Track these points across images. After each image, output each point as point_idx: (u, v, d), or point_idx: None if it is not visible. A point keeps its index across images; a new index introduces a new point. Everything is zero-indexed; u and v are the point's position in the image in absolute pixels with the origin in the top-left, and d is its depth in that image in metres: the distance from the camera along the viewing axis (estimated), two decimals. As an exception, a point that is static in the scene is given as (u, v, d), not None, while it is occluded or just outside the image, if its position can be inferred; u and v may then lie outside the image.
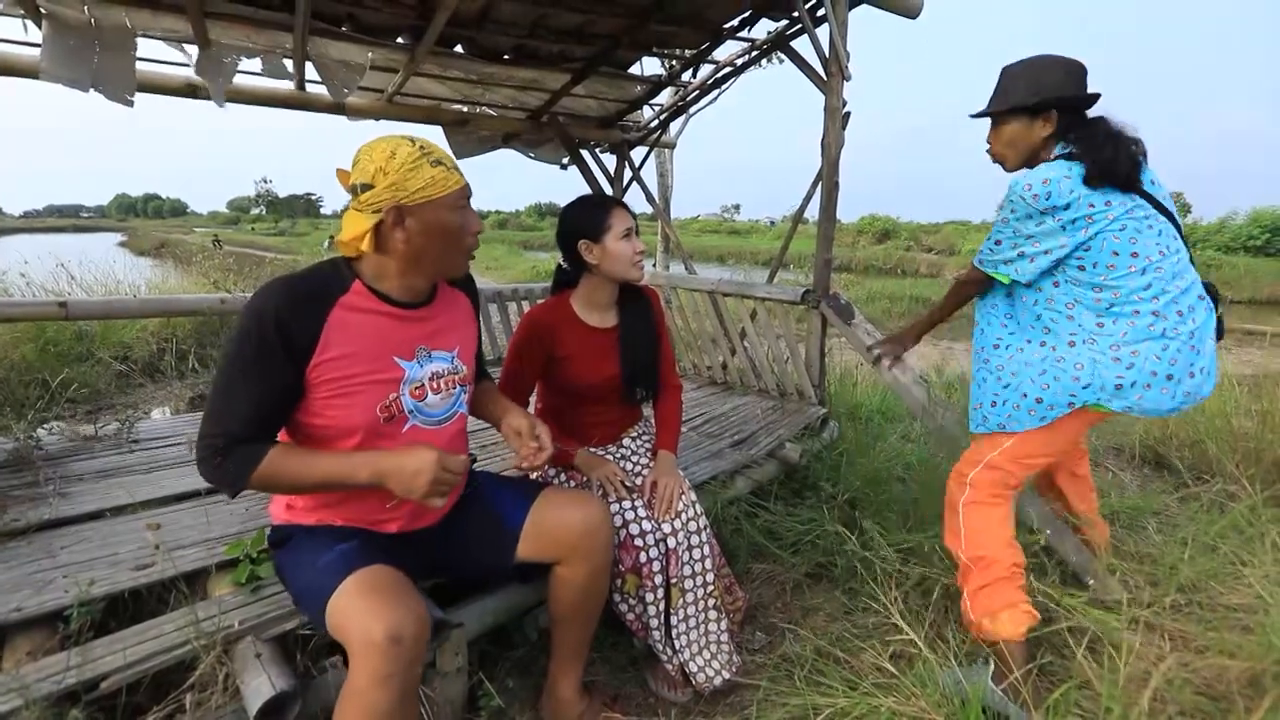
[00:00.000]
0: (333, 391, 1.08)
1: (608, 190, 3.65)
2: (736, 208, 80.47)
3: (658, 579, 1.52)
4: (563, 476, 1.70)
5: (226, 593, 1.38)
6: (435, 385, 1.21)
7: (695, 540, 1.56)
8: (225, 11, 2.01)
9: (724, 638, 1.63)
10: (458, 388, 1.26)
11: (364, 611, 0.99)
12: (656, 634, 1.55)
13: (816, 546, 2.13)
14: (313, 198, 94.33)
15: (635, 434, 1.79)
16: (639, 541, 1.50)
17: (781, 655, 1.78)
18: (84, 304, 2.26)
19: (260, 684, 1.14)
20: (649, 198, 3.71)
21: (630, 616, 1.58)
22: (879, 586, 1.85)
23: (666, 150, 3.83)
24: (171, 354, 3.51)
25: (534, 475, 1.74)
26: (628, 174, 3.64)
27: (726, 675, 1.59)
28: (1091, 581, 1.93)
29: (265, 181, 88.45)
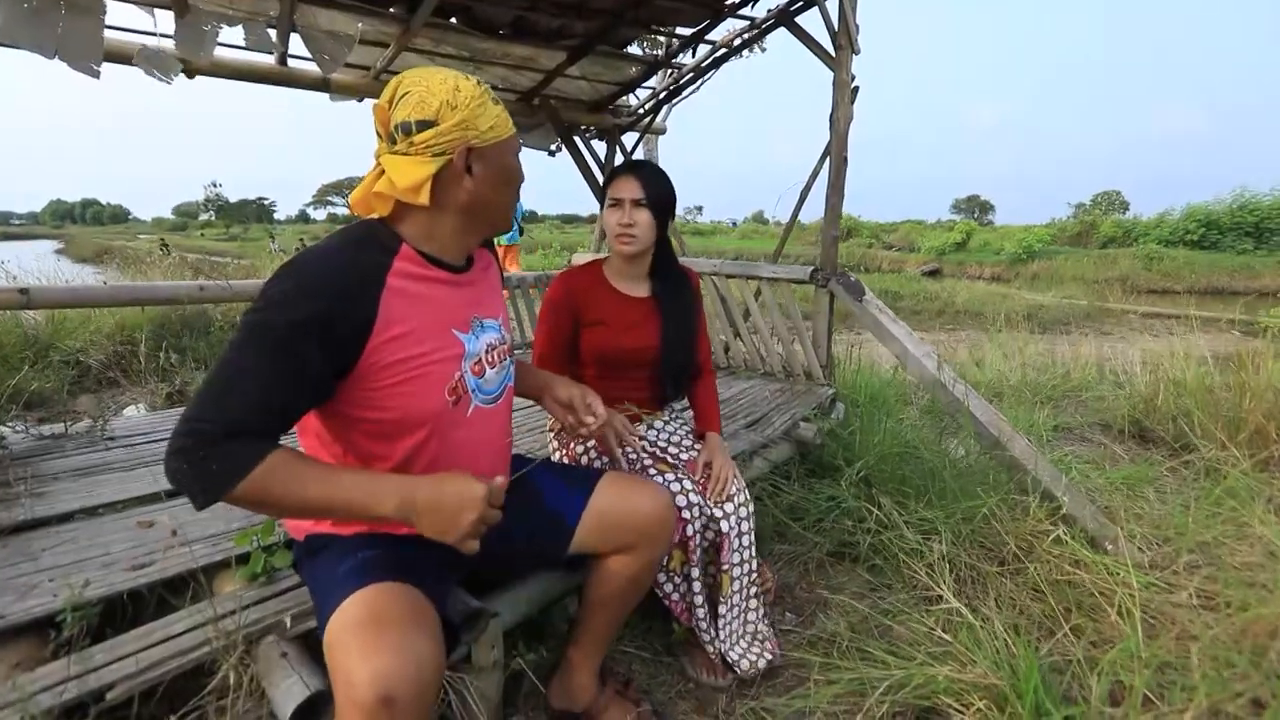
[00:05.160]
0: (400, 376, 0.93)
1: (599, 178, 3.57)
2: (699, 209, 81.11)
3: (696, 555, 1.46)
4: (592, 453, 1.62)
5: (239, 588, 1.25)
6: (490, 358, 1.08)
7: (745, 527, 1.51)
8: (207, -30, 1.87)
9: (763, 625, 1.59)
10: (507, 359, 1.14)
11: (355, 649, 0.79)
12: (701, 613, 1.49)
13: (838, 525, 2.11)
14: (265, 202, 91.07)
15: (667, 416, 1.72)
16: (685, 514, 1.44)
17: (816, 633, 1.74)
18: (48, 290, 2.08)
19: (291, 685, 1.03)
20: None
21: (675, 597, 1.51)
22: (912, 560, 1.84)
23: (655, 137, 3.77)
24: (136, 356, 3.29)
25: (563, 457, 1.66)
26: (619, 160, 3.57)
27: (769, 657, 1.54)
28: (1109, 546, 1.96)
29: (215, 186, 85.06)
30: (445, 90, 0.90)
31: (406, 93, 0.91)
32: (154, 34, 2.06)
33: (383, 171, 0.94)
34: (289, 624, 1.13)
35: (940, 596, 1.63)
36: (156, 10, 2.04)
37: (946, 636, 1.43)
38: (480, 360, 1.05)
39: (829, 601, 1.89)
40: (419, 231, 0.97)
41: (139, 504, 1.56)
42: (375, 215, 0.97)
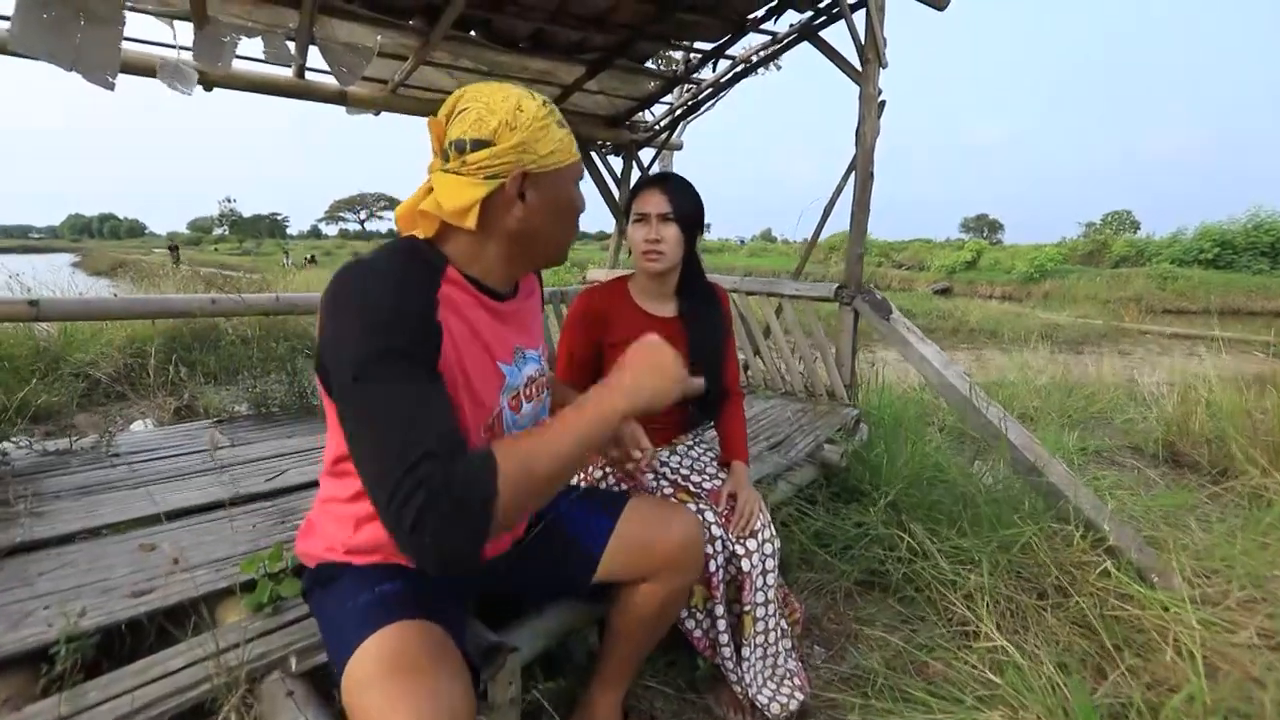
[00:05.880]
0: (452, 386, 0.84)
1: (616, 194, 3.54)
2: (708, 226, 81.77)
3: (720, 591, 1.38)
4: (610, 479, 1.54)
5: (243, 619, 1.18)
6: (529, 392, 0.99)
7: (769, 565, 1.41)
8: (228, -19, 1.86)
9: (792, 663, 1.49)
10: (545, 392, 1.06)
11: (384, 697, 0.74)
12: (726, 651, 1.40)
13: (867, 553, 2.01)
14: (278, 218, 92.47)
15: (690, 441, 1.64)
16: (708, 548, 1.36)
17: (849, 670, 1.65)
18: (57, 303, 2.03)
19: (297, 727, 0.95)
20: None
21: (698, 634, 1.42)
22: (947, 591, 1.74)
23: (671, 152, 3.74)
24: (147, 369, 3.25)
25: (582, 480, 1.58)
26: (635, 176, 3.54)
27: (800, 697, 1.45)
28: (1156, 578, 1.86)
29: (229, 201, 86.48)
30: (506, 109, 0.83)
31: (465, 108, 0.84)
32: (172, 45, 2.05)
33: (432, 189, 0.87)
34: (294, 663, 1.06)
35: (979, 631, 1.54)
36: (176, 22, 2.03)
37: (995, 678, 1.33)
38: (519, 394, 0.97)
39: (859, 634, 1.79)
40: (464, 253, 0.89)
41: (141, 525, 1.50)
42: (419, 234, 0.89)
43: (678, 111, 3.37)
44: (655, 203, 1.39)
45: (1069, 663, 1.55)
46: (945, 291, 19.85)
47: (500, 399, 0.93)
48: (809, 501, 2.21)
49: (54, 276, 6.17)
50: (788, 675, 1.47)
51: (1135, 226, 39.70)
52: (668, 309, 1.52)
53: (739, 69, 2.92)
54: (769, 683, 1.44)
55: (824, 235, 2.80)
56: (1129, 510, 2.41)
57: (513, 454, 0.74)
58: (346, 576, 0.95)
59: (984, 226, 57.62)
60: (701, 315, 1.52)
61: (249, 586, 1.23)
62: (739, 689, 1.42)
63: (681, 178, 1.49)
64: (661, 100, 3.31)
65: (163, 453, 1.93)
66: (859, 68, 2.25)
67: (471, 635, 1.13)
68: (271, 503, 1.67)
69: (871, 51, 2.16)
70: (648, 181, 1.45)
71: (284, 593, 1.22)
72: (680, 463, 1.56)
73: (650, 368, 0.85)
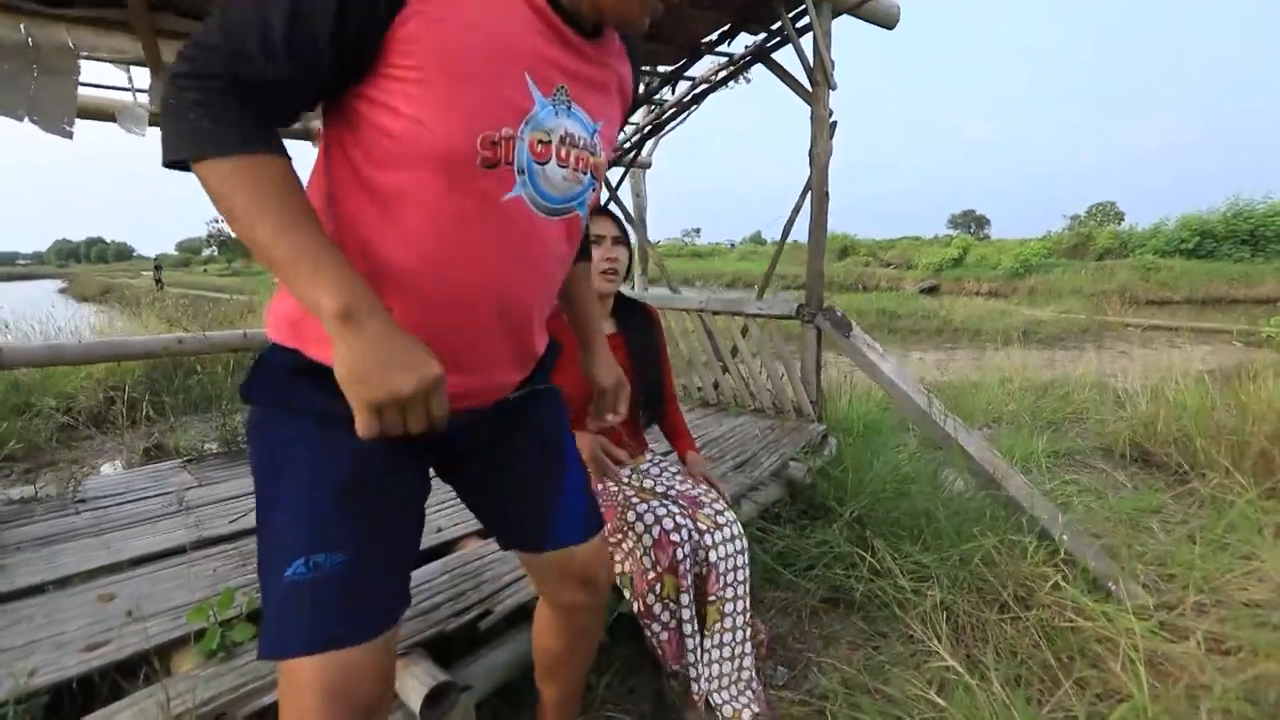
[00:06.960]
0: (428, 68, 0.64)
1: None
2: (697, 231, 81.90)
3: (687, 581, 1.41)
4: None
5: (193, 668, 1.20)
6: (563, 154, 0.77)
7: (740, 561, 1.47)
8: (181, 30, 1.88)
9: (753, 674, 1.52)
10: (588, 175, 0.82)
11: None
12: (690, 643, 1.42)
13: (831, 571, 2.04)
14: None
15: (649, 460, 1.71)
16: (674, 537, 1.40)
17: (809, 690, 1.67)
18: (20, 350, 2.04)
19: (242, 781, 0.97)
20: (627, 218, 3.65)
21: (673, 625, 1.42)
22: (902, 610, 1.77)
23: (641, 170, 3.78)
24: (123, 402, 3.25)
25: None
26: (604, 195, 3.58)
27: (756, 709, 1.47)
28: (1112, 586, 1.89)
29: (217, 222, 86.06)
30: None
31: None
32: (128, 89, 2.07)
33: None
34: (240, 715, 1.07)
35: (937, 649, 1.56)
36: (132, 66, 2.05)
37: (939, 700, 1.36)
38: (550, 143, 0.75)
39: (822, 654, 1.82)
40: None
41: (102, 574, 1.51)
42: None
43: (645, 130, 3.41)
44: (607, 227, 1.53)
45: (1025, 676, 1.58)
46: (932, 290, 19.98)
47: (519, 128, 0.71)
48: (774, 520, 2.23)
49: (31, 309, 6.16)
50: (748, 687, 1.50)
51: (1120, 218, 39.97)
52: (607, 327, 1.64)
53: (700, 89, 2.97)
54: (732, 685, 1.47)
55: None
56: (1094, 515, 2.44)
57: (256, 180, 0.61)
58: (287, 434, 0.77)
59: (971, 222, 57.99)
60: (638, 329, 1.67)
61: (203, 634, 1.25)
62: (697, 688, 1.43)
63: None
64: (628, 121, 3.36)
65: (129, 496, 1.94)
66: (810, 89, 2.29)
67: (420, 675, 1.15)
68: (234, 545, 1.68)
69: (820, 74, 2.20)
70: (597, 211, 1.57)
71: (237, 638, 1.24)
72: (643, 480, 1.63)
73: (390, 354, 0.63)
